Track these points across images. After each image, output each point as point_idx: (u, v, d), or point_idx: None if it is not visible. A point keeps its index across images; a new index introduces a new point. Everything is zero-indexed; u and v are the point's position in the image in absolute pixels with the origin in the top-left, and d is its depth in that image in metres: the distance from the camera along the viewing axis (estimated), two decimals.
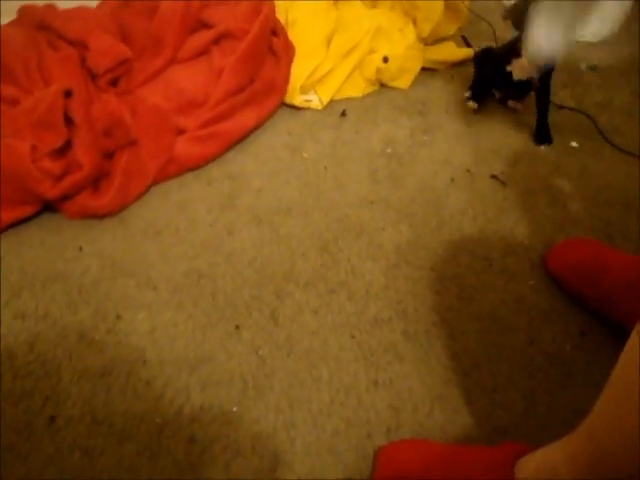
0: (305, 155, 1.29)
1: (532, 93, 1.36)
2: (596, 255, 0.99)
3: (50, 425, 0.84)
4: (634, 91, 1.51)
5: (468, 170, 1.26)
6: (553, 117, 1.40)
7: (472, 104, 1.42)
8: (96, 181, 1.15)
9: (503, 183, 1.23)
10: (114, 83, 1.33)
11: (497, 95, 1.44)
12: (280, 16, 1.50)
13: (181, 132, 1.26)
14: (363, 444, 0.83)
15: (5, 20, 1.40)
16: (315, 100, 1.42)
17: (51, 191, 1.07)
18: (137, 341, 0.95)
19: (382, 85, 1.50)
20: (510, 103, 1.42)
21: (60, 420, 0.85)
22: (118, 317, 0.98)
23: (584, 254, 1.01)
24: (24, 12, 1.39)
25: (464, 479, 0.73)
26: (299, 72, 1.41)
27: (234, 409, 0.87)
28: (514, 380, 0.90)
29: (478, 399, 0.88)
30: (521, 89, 1.37)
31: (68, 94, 1.11)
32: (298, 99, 1.41)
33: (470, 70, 1.46)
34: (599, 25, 1.69)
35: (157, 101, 1.28)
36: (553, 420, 0.86)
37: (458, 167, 1.27)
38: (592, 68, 1.59)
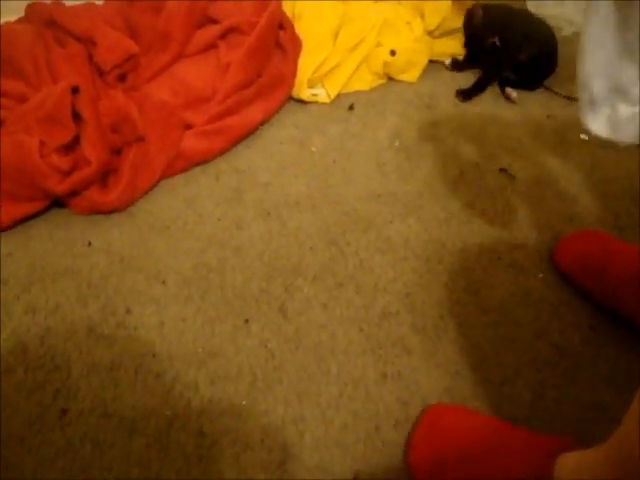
0: (313, 149, 1.29)
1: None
2: (603, 248, 0.99)
3: (61, 418, 0.85)
4: None
5: (476, 163, 1.25)
6: (562, 109, 1.40)
7: (460, 98, 1.44)
8: (104, 177, 1.15)
9: (512, 176, 1.22)
10: (121, 79, 1.33)
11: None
12: (287, 10, 1.49)
13: (188, 127, 1.26)
14: (372, 437, 0.83)
15: (7, 18, 1.41)
16: (322, 94, 1.42)
17: (59, 187, 1.08)
18: (146, 335, 0.96)
19: (390, 78, 1.50)
20: (507, 90, 1.42)
21: (71, 413, 0.86)
22: (127, 311, 0.99)
23: (591, 247, 1.01)
24: (32, 9, 1.39)
25: (504, 460, 0.74)
26: (306, 66, 1.41)
27: (243, 402, 0.87)
28: (522, 373, 0.90)
29: (486, 392, 0.88)
30: (523, 77, 1.40)
31: (76, 90, 1.12)
32: (305, 93, 1.40)
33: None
34: None
35: (164, 96, 1.28)
36: (561, 414, 0.86)
37: (466, 160, 1.26)
38: None
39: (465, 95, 1.43)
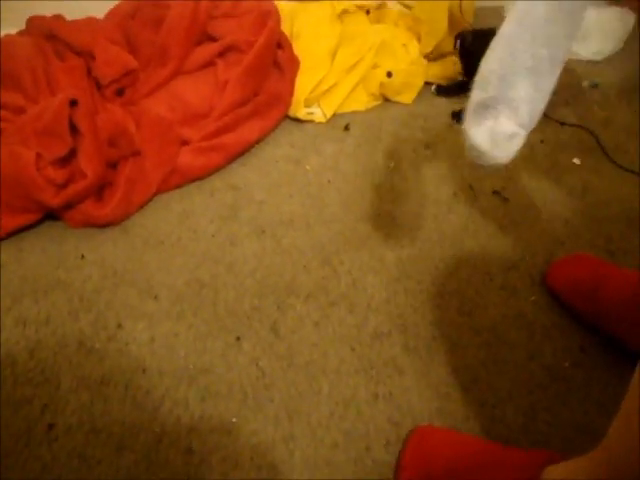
0: (308, 168, 1.30)
1: None
2: (594, 272, 0.99)
3: (48, 433, 0.84)
4: (636, 110, 1.52)
5: (470, 185, 1.26)
6: (555, 134, 1.41)
7: (454, 120, 1.45)
8: (99, 190, 1.15)
9: (505, 199, 1.23)
10: (119, 93, 1.34)
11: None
12: (285, 29, 1.51)
13: (185, 143, 1.27)
14: (362, 457, 0.83)
15: (7, 31, 1.42)
16: (319, 113, 1.43)
17: (54, 199, 1.08)
18: (137, 350, 0.95)
19: (385, 99, 1.51)
20: None
21: (58, 428, 0.85)
22: (119, 326, 0.98)
23: (582, 270, 1.01)
24: (32, 22, 1.40)
25: (492, 475, 0.74)
26: (303, 85, 1.42)
27: (233, 420, 0.87)
28: (514, 395, 0.90)
29: (477, 414, 0.88)
30: None
31: (74, 103, 1.12)
32: (302, 112, 1.41)
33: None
34: (601, 43, 1.70)
35: (162, 112, 1.29)
36: (553, 436, 0.85)
37: (460, 182, 1.27)
38: (594, 86, 1.60)
39: (459, 117, 1.44)
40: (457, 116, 1.44)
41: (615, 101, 1.55)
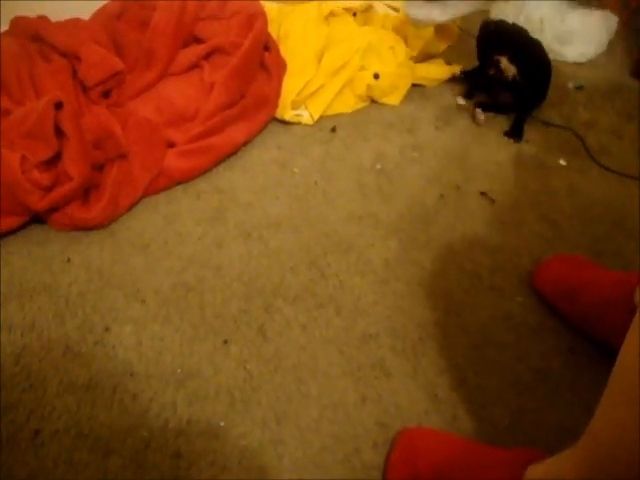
0: (295, 170, 1.30)
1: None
2: (576, 273, 1.00)
3: (34, 438, 0.83)
4: (620, 111, 1.53)
5: (457, 186, 1.27)
6: (541, 135, 1.42)
7: (461, 100, 1.47)
8: (85, 193, 1.15)
9: (492, 200, 1.24)
10: (106, 95, 1.33)
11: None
12: (272, 31, 1.51)
13: (171, 145, 1.26)
14: (350, 459, 0.83)
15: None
16: (306, 115, 1.43)
17: (40, 202, 1.07)
18: (124, 354, 0.94)
19: (372, 101, 1.51)
20: (477, 112, 1.44)
21: (44, 433, 0.84)
22: (105, 329, 0.97)
23: (565, 272, 1.02)
24: (17, 23, 1.39)
25: (478, 475, 0.74)
26: (290, 87, 1.42)
27: (221, 424, 0.86)
28: (502, 397, 0.91)
29: (465, 415, 0.88)
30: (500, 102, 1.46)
31: (59, 105, 1.11)
32: (289, 114, 1.41)
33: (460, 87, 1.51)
34: (585, 46, 1.72)
35: (148, 114, 1.28)
36: (540, 437, 0.86)
37: (447, 183, 1.28)
38: (579, 88, 1.61)
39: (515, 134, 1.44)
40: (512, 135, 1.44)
41: (599, 103, 1.57)
